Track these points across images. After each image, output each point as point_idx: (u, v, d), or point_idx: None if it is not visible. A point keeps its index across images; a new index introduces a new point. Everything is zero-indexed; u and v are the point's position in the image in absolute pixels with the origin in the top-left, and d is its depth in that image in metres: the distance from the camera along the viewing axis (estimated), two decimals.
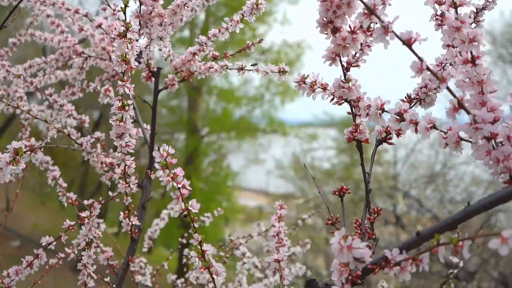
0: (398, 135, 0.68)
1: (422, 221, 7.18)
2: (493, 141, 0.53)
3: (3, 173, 0.69)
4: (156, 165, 0.62)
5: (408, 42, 0.51)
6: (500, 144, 0.52)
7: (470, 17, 0.71)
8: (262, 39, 1.02)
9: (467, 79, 0.55)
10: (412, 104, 0.69)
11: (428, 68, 0.51)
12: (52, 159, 1.14)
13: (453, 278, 1.09)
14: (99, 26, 1.07)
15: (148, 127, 1.11)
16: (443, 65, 0.69)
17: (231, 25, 0.92)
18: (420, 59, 0.51)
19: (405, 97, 0.70)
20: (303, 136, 11.35)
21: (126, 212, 0.97)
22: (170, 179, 0.62)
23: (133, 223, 0.98)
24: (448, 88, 0.52)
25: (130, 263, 0.99)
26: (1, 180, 0.71)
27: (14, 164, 0.68)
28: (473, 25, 0.72)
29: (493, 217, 6.48)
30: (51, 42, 1.24)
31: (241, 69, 0.97)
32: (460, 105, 0.52)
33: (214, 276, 0.65)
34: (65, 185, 1.12)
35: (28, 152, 0.68)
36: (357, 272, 0.55)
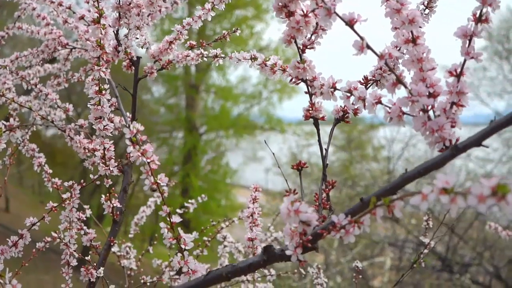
0: (355, 114, 0.72)
1: (419, 215, 7.22)
2: (431, 113, 0.58)
3: None
4: (127, 141, 0.66)
5: (350, 23, 0.56)
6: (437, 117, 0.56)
7: (423, 3, 0.76)
8: (237, 29, 1.06)
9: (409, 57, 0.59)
10: (369, 85, 0.74)
11: (368, 46, 0.55)
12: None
13: (424, 257, 1.13)
14: (82, 18, 1.11)
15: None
16: (398, 47, 0.74)
17: (203, 13, 0.96)
18: (362, 38, 0.55)
19: (362, 79, 0.74)
20: (300, 133, 11.39)
21: (108, 194, 1.02)
22: (140, 154, 0.67)
23: (115, 205, 1.03)
24: (386, 64, 0.56)
25: (112, 244, 1.04)
26: None
27: None
28: (426, 10, 0.76)
29: (488, 211, 6.52)
30: (38, 34, 1.28)
31: (215, 56, 1.01)
32: (398, 80, 0.56)
33: (183, 246, 0.70)
34: (50, 171, 1.16)
35: (7, 132, 0.72)
36: (308, 237, 0.59)
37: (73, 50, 1.25)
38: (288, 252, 0.59)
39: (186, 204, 1.46)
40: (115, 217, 1.05)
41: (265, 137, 12.59)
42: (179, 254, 0.70)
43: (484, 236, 6.24)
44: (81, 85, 1.44)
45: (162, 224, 0.70)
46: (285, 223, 0.57)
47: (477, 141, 0.52)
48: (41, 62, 1.26)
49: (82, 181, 0.98)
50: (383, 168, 8.53)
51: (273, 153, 1.01)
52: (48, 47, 1.24)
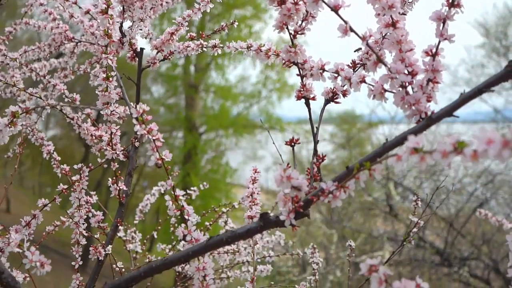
0: (344, 95, 0.78)
1: (417, 212, 7.27)
2: (410, 89, 0.64)
3: (2, 134, 0.79)
4: (134, 121, 0.73)
5: (335, 8, 0.62)
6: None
7: None
8: (235, 21, 1.12)
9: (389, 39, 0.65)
10: (357, 68, 0.80)
11: (351, 29, 0.61)
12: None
13: (413, 236, 1.19)
14: (87, 12, 1.17)
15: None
16: (383, 34, 0.80)
17: (202, 5, 1.03)
18: (345, 22, 0.62)
19: (350, 62, 0.80)
20: (300, 132, 11.45)
21: (114, 178, 1.08)
22: (146, 132, 0.73)
23: (121, 188, 1.09)
24: (368, 45, 0.62)
25: (118, 225, 1.10)
26: (2, 141, 0.81)
27: (12, 126, 0.79)
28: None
29: (485, 205, 6.59)
30: (44, 29, 1.35)
31: (214, 46, 1.08)
32: (379, 59, 0.62)
33: (186, 217, 0.76)
34: (58, 158, 1.22)
35: (24, 114, 0.79)
36: (300, 203, 0.65)
37: (79, 43, 1.31)
38: (282, 217, 0.66)
39: (188, 191, 1.52)
40: (121, 199, 1.11)
41: (264, 136, 12.65)
42: (183, 225, 0.76)
43: (482, 230, 6.30)
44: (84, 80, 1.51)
45: (167, 197, 0.76)
46: (278, 188, 0.63)
47: (448, 112, 0.58)
48: (48, 55, 1.33)
49: (90, 164, 1.04)
50: (384, 168, 8.60)
51: (277, 149, 1.06)
52: (55, 41, 1.31)
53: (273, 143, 1.12)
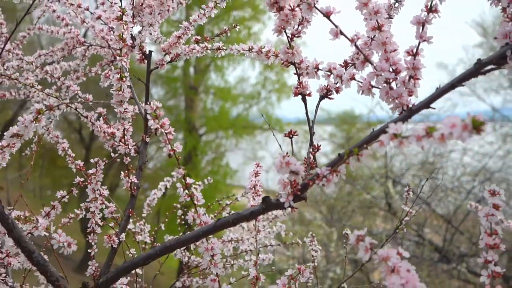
0: (337, 91, 0.87)
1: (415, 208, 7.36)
2: (394, 85, 0.72)
3: (28, 130, 0.88)
4: (148, 116, 0.81)
5: (327, 14, 0.71)
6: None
7: None
8: (236, 24, 1.21)
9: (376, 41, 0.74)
10: (348, 67, 0.88)
11: (341, 32, 0.70)
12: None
13: (405, 225, 1.27)
14: (99, 17, 1.26)
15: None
16: (371, 36, 0.88)
17: (207, 11, 1.11)
18: (336, 26, 0.70)
19: (342, 62, 0.89)
20: (300, 133, 11.52)
21: (126, 171, 1.16)
22: (159, 126, 0.81)
23: (132, 181, 1.18)
24: (356, 46, 0.71)
25: (130, 215, 1.18)
26: (26, 136, 0.90)
27: (37, 122, 0.87)
28: (396, 4, 0.91)
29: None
30: (57, 34, 1.43)
31: (218, 48, 1.16)
32: (366, 59, 0.71)
33: (195, 202, 0.84)
34: (73, 154, 1.30)
35: (48, 111, 0.87)
36: (297, 187, 0.74)
37: (90, 47, 1.40)
38: (281, 200, 0.74)
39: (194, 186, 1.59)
40: (132, 191, 1.19)
41: (264, 137, 12.73)
42: (193, 209, 0.84)
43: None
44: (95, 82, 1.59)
45: (178, 184, 0.85)
46: (278, 173, 0.71)
47: (426, 104, 0.67)
48: (60, 59, 1.41)
49: (104, 159, 1.13)
50: (382, 165, 8.69)
51: (280, 146, 1.14)
52: (68, 45, 1.39)
53: (276, 141, 1.20)
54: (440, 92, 0.66)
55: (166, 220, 1.69)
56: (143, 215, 1.62)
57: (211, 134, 12.20)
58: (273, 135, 1.22)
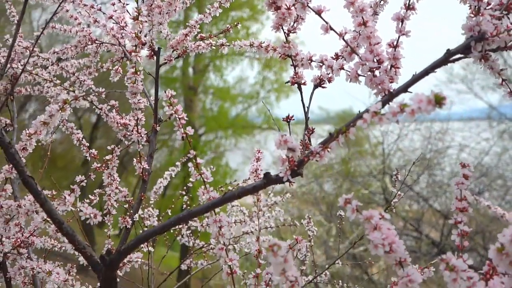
0: (329, 81, 0.97)
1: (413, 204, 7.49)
2: (377, 73, 0.83)
3: (54, 119, 0.99)
4: (163, 103, 0.92)
5: (319, 12, 0.81)
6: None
7: None
8: (238, 23, 1.32)
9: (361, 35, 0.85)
10: (339, 59, 0.99)
11: (331, 28, 0.81)
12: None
13: (394, 205, 1.38)
14: (110, 17, 1.36)
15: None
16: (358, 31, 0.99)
17: (212, 10, 1.22)
18: (326, 22, 0.81)
19: (334, 54, 0.99)
20: (298, 132, 11.65)
21: (138, 158, 1.27)
22: (173, 112, 0.92)
23: (144, 167, 1.28)
24: (344, 40, 0.82)
25: (142, 198, 1.29)
26: (52, 125, 1.01)
27: (62, 111, 0.98)
28: (381, 2, 1.02)
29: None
30: (70, 32, 1.54)
31: (222, 45, 1.27)
32: (352, 50, 0.82)
33: (205, 180, 0.95)
34: (87, 144, 1.41)
35: (74, 100, 0.98)
36: (294, 163, 0.84)
37: (101, 45, 1.51)
38: (281, 175, 0.85)
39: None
40: (144, 177, 1.30)
41: (263, 137, 12.84)
42: (202, 186, 0.95)
43: (476, 222, 6.50)
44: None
45: (190, 164, 0.96)
46: (277, 149, 0.82)
47: (404, 89, 0.77)
48: (74, 55, 1.52)
49: (119, 146, 1.24)
50: (380, 163, 8.81)
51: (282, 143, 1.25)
52: (81, 43, 1.50)
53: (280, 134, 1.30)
54: (416, 78, 0.77)
55: (173, 206, 1.80)
56: (151, 201, 1.73)
57: (211, 134, 12.31)
58: (278, 134, 1.33)
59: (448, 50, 0.75)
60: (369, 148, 10.04)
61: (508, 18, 0.76)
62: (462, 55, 0.75)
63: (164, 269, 1.87)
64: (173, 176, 1.81)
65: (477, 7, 0.74)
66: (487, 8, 0.77)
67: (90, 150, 1.37)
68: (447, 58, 0.75)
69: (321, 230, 7.61)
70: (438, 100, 0.58)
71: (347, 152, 10.16)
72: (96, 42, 1.52)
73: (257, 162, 1.25)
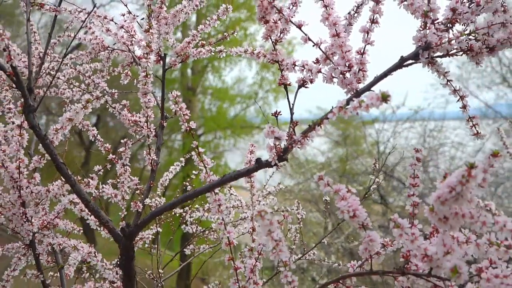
0: (311, 82, 1.16)
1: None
2: (348, 75, 1.02)
3: (79, 115, 1.17)
4: (170, 102, 1.10)
5: (299, 26, 1.00)
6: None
7: (353, 9, 1.20)
8: (234, 31, 1.51)
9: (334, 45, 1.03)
10: (318, 63, 1.17)
11: (308, 39, 0.99)
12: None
13: (373, 191, 1.56)
14: (121, 27, 1.55)
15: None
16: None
17: (212, 22, 1.41)
18: (305, 34, 1.00)
19: (315, 59, 1.18)
20: (296, 131, 11.79)
21: (148, 150, 1.46)
22: (179, 109, 1.10)
23: (153, 158, 1.47)
24: (320, 49, 1.00)
25: (151, 186, 1.48)
26: (76, 120, 1.19)
27: (85, 108, 1.16)
28: (356, 14, 1.20)
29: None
30: (84, 40, 1.72)
31: (221, 51, 1.46)
32: (326, 57, 1.00)
33: (206, 165, 1.13)
34: (102, 139, 1.59)
35: (95, 100, 1.16)
36: (281, 150, 1.02)
37: (113, 51, 1.69)
38: (269, 159, 1.03)
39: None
40: (153, 167, 1.49)
41: (262, 137, 12.98)
42: (204, 170, 1.14)
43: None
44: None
45: (193, 153, 1.14)
46: (266, 138, 1.00)
47: (367, 88, 0.96)
48: (89, 60, 1.70)
49: (131, 139, 1.42)
50: (375, 160, 8.97)
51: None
52: (94, 49, 1.68)
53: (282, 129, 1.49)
54: (376, 80, 0.95)
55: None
56: (158, 192, 1.91)
57: (210, 134, 12.47)
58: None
59: (402, 56, 0.94)
60: (366, 147, 10.22)
61: (452, 30, 0.95)
62: (413, 61, 0.94)
63: (164, 269, 2.03)
64: (178, 170, 1.99)
65: (424, 22, 0.93)
66: (436, 21, 0.95)
67: (105, 145, 1.55)
68: (401, 63, 0.93)
69: (319, 227, 7.80)
70: (385, 97, 0.76)
71: (344, 151, 10.35)
72: (108, 49, 1.70)
73: (250, 154, 1.44)
